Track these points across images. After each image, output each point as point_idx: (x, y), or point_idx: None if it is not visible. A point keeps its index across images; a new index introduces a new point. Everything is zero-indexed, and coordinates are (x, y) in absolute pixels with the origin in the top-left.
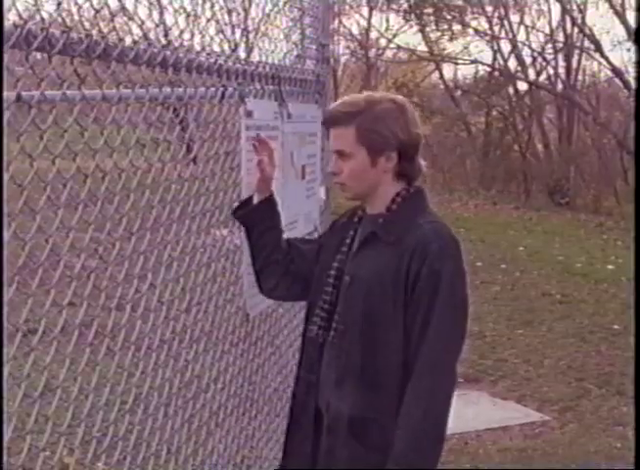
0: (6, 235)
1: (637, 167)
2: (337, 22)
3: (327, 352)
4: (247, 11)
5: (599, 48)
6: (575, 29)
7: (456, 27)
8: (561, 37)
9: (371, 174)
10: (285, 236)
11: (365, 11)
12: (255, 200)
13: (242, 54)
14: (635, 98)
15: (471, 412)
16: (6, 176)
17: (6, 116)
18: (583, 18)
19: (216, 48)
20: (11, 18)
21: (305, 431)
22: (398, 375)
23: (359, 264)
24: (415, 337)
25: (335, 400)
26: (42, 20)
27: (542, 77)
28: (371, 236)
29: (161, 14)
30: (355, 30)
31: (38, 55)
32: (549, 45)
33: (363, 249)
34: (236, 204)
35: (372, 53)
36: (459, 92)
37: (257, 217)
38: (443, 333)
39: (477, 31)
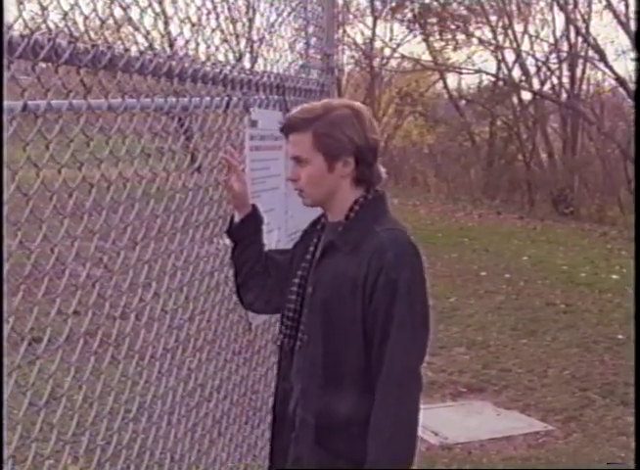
0: (7, 243)
1: (637, 176)
2: (341, 31)
3: (295, 362)
4: (251, 21)
5: (603, 57)
6: (580, 39)
7: (460, 37)
8: (565, 47)
9: (328, 180)
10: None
11: (369, 20)
12: (237, 217)
13: (246, 64)
14: (635, 101)
15: (474, 422)
16: (12, 186)
17: (13, 125)
18: (587, 27)
19: (221, 58)
20: (17, 28)
21: (286, 438)
22: (362, 383)
23: (320, 274)
24: (376, 346)
25: (301, 410)
26: (49, 30)
27: (546, 87)
28: (329, 245)
29: (167, 24)
30: (359, 40)
31: (42, 64)
32: (553, 55)
33: (323, 258)
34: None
35: (376, 62)
36: (463, 102)
37: (242, 234)
38: (404, 341)
39: (481, 41)
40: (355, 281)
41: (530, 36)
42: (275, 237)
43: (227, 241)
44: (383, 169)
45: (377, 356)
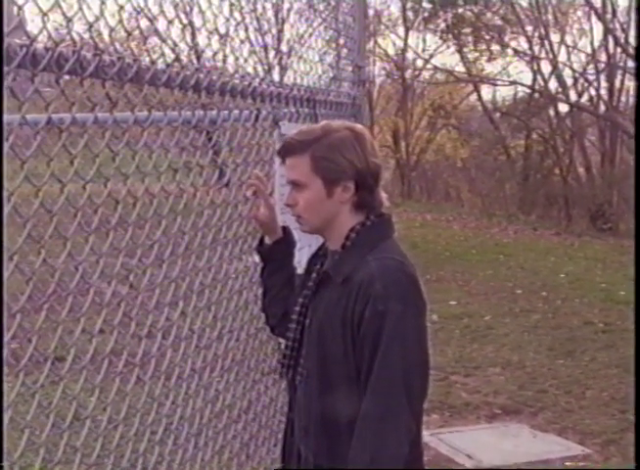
0: (30, 260)
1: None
2: (372, 42)
3: (297, 396)
4: (281, 32)
5: None
6: (618, 49)
7: (495, 48)
8: (603, 57)
9: (327, 206)
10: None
11: (401, 31)
12: (268, 240)
13: (276, 76)
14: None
15: (510, 445)
16: (36, 202)
17: (37, 139)
18: (626, 37)
19: (250, 70)
20: (41, 39)
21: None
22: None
23: (316, 306)
24: (363, 382)
25: (303, 447)
26: (74, 42)
27: (584, 99)
28: (325, 276)
29: (194, 36)
30: (391, 51)
31: (66, 76)
32: (591, 65)
33: (319, 288)
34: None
35: (408, 74)
36: (498, 114)
37: (271, 257)
38: (388, 377)
39: (516, 52)
40: (345, 313)
41: (567, 47)
42: (306, 254)
43: (257, 258)
44: (384, 195)
45: (364, 389)
